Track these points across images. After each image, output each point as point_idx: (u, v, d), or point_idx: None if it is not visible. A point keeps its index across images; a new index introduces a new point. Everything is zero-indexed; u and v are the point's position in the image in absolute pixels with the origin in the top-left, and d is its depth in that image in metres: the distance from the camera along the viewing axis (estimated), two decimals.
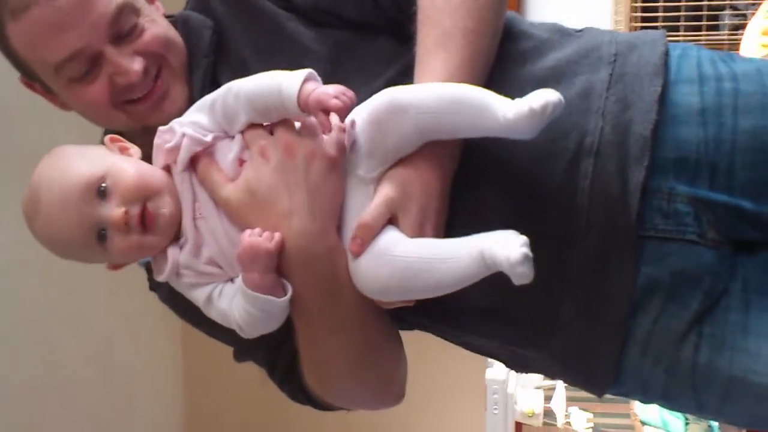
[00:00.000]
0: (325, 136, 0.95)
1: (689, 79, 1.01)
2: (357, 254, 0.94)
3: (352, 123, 0.95)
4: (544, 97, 0.87)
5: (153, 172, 0.98)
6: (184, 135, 0.97)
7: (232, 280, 0.99)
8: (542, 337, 1.04)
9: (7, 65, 1.08)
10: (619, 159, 0.98)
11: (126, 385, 3.14)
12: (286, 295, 0.95)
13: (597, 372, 1.05)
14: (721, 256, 0.99)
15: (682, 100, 1.00)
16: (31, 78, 1.08)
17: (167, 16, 1.13)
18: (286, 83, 0.93)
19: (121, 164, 0.98)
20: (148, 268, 1.11)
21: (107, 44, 1.02)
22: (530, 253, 0.84)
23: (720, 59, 1.05)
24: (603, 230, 0.98)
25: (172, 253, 0.98)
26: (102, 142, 1.04)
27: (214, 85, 1.06)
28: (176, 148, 0.97)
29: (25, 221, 0.98)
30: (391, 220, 0.94)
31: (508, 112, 0.88)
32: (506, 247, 0.84)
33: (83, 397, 2.85)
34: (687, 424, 2.45)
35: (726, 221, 0.98)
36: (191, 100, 1.06)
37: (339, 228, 0.96)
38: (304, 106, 0.92)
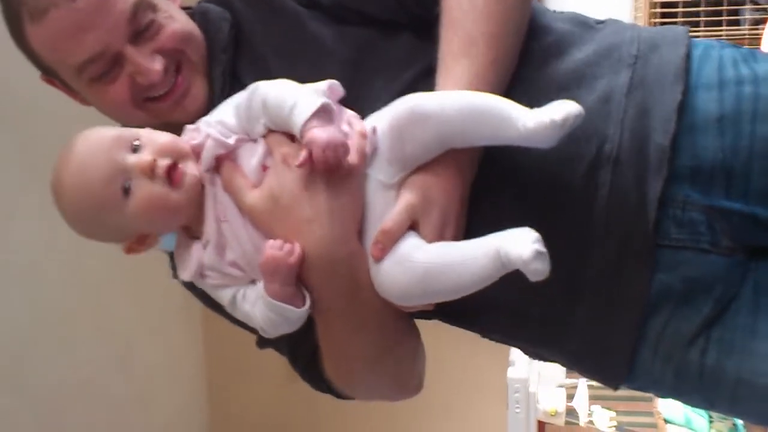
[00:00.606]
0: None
1: (709, 85, 1.00)
2: (378, 259, 0.95)
3: (374, 130, 0.96)
4: (564, 108, 0.88)
5: (185, 142, 0.99)
6: (208, 136, 0.97)
7: (254, 281, 0.99)
8: (557, 337, 1.06)
9: (27, 67, 1.08)
10: (638, 168, 0.97)
11: (147, 385, 3.15)
12: (305, 305, 0.96)
13: (610, 369, 1.06)
14: (733, 263, 0.99)
15: (701, 106, 0.99)
16: (51, 75, 1.08)
17: (185, 8, 1.12)
18: (299, 107, 0.93)
19: (156, 132, 0.99)
20: (172, 257, 1.11)
21: (127, 44, 1.02)
22: (544, 249, 0.84)
23: (742, 59, 1.04)
24: (620, 237, 0.98)
25: (197, 251, 0.99)
26: None
27: (235, 79, 1.06)
28: (200, 146, 0.98)
29: (51, 183, 0.97)
30: (412, 226, 0.95)
31: (528, 122, 0.88)
32: (520, 245, 0.85)
33: (104, 397, 2.87)
34: (711, 422, 2.43)
35: (741, 229, 0.98)
36: (212, 96, 1.07)
37: (360, 233, 0.97)
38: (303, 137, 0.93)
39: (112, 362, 2.91)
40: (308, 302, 0.96)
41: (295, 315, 0.96)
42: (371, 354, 1.04)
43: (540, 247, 0.84)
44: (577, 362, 1.10)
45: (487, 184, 0.99)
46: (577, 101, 0.98)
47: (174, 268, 1.14)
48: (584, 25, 1.10)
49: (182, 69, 1.07)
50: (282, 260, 0.93)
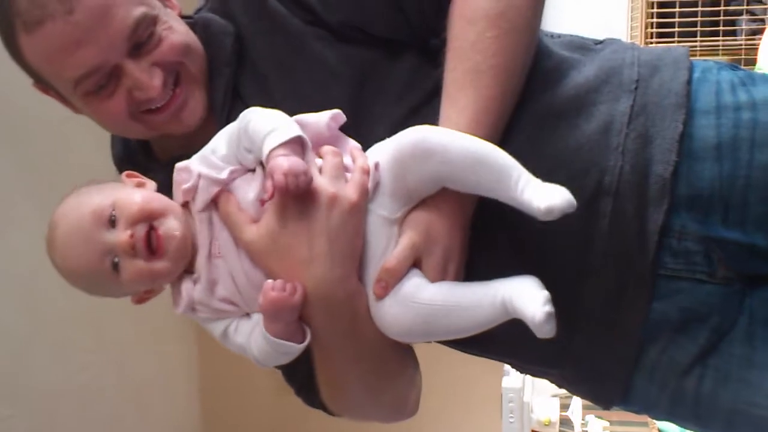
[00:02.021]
0: (348, 175, 0.94)
1: (707, 110, 0.99)
2: (381, 297, 0.95)
3: (376, 165, 0.95)
4: (557, 200, 0.86)
5: (159, 198, 0.98)
6: (200, 176, 0.96)
7: (248, 315, 0.99)
8: (553, 362, 1.06)
9: (24, 76, 1.07)
10: (638, 199, 0.97)
11: (142, 393, 3.15)
12: (305, 340, 0.96)
13: (605, 394, 1.07)
14: (730, 292, 0.98)
15: (699, 133, 0.98)
16: (43, 83, 1.06)
17: (186, 17, 1.10)
18: (271, 136, 0.92)
19: (130, 193, 0.98)
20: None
21: (125, 58, 1.00)
22: (553, 310, 0.84)
23: (740, 83, 1.03)
24: (619, 268, 0.98)
25: (186, 288, 0.99)
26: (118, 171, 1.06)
27: (236, 94, 1.05)
28: (193, 189, 0.97)
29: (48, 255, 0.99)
30: (415, 263, 0.95)
31: (522, 194, 0.88)
32: (530, 304, 0.85)
33: (100, 404, 2.86)
34: None
35: (738, 258, 0.98)
36: (212, 110, 1.06)
37: (361, 269, 0.96)
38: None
39: (108, 371, 2.90)
40: (309, 337, 0.96)
41: (294, 350, 0.96)
42: (369, 383, 1.04)
43: (550, 308, 0.84)
44: (571, 385, 1.11)
45: (484, 217, 0.99)
46: (576, 130, 0.98)
47: None
48: (583, 48, 1.09)
49: (181, 81, 1.05)
50: (284, 301, 0.92)
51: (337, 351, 0.99)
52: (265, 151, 0.91)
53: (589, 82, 1.03)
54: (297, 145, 0.92)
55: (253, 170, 0.97)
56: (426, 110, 1.00)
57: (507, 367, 2.62)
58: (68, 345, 2.69)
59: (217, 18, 1.09)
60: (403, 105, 1.03)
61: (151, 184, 1.01)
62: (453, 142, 0.92)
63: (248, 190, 0.96)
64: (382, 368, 1.03)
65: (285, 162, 0.89)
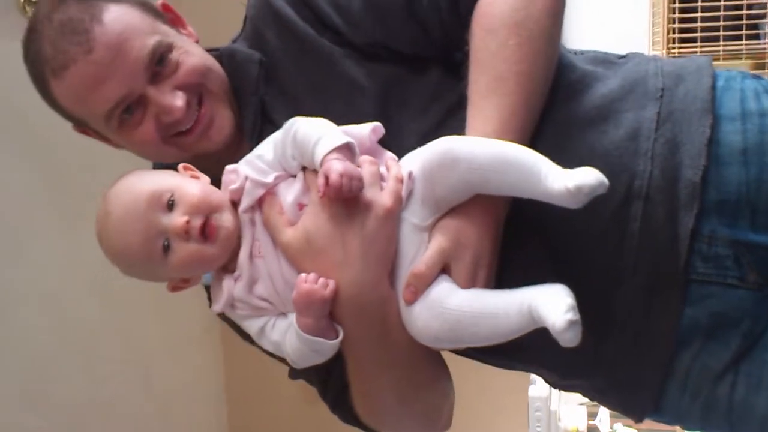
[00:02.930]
0: (383, 183, 0.96)
1: (732, 116, 1.00)
2: (410, 302, 0.96)
3: (410, 174, 0.97)
4: (587, 179, 0.87)
5: (218, 192, 1.02)
6: (247, 178, 1.00)
7: (285, 314, 1.01)
8: (584, 371, 1.06)
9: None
10: (669, 203, 0.97)
11: (168, 403, 3.17)
12: (337, 337, 0.97)
13: (637, 405, 1.07)
14: (761, 297, 0.98)
15: (725, 139, 0.99)
16: (81, 125, 1.11)
17: (212, 49, 1.14)
18: (322, 142, 0.95)
19: (189, 182, 1.01)
20: (208, 288, 1.14)
21: (147, 86, 1.04)
22: (577, 318, 0.85)
23: (764, 90, 1.04)
24: (650, 273, 0.98)
25: (228, 285, 1.02)
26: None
27: (266, 119, 1.07)
28: (239, 190, 1.00)
29: (96, 234, 1.02)
30: (444, 269, 0.96)
31: (553, 184, 0.89)
32: (554, 312, 0.85)
33: (126, 417, 2.88)
34: None
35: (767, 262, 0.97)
36: (244, 135, 1.10)
37: (392, 273, 0.97)
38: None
39: (134, 382, 2.92)
40: (341, 335, 0.98)
41: (326, 347, 0.97)
42: (401, 392, 1.04)
43: (573, 316, 0.85)
44: (602, 396, 1.10)
45: (515, 224, 0.99)
46: (604, 137, 0.99)
47: (210, 299, 1.16)
48: (606, 62, 1.11)
49: (204, 101, 1.08)
50: (316, 293, 0.94)
51: (369, 357, 1.00)
52: (319, 155, 0.94)
53: (613, 92, 1.04)
54: (348, 150, 0.95)
55: (294, 176, 1.00)
56: (452, 122, 1.02)
57: (533, 375, 2.61)
58: (94, 356, 2.72)
59: (241, 48, 1.13)
60: (429, 117, 1.05)
61: (206, 178, 1.04)
62: (478, 147, 0.94)
63: (288, 194, 1.00)
64: (414, 377, 1.04)
65: (340, 165, 0.93)
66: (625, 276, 0.98)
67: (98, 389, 2.73)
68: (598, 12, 2.89)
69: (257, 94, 1.10)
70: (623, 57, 1.12)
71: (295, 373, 1.19)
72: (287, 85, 1.10)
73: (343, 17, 1.09)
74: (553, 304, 0.86)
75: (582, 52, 1.14)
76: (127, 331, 2.88)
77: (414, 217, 0.97)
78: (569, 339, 0.85)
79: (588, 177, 0.88)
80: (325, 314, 0.96)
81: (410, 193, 0.97)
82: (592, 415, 2.58)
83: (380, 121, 1.03)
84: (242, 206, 1.01)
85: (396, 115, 1.05)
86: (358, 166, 0.98)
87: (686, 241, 0.97)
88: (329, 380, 1.13)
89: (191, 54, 1.09)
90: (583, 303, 0.86)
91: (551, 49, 1.04)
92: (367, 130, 1.00)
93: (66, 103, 1.07)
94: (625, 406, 1.09)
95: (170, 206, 0.98)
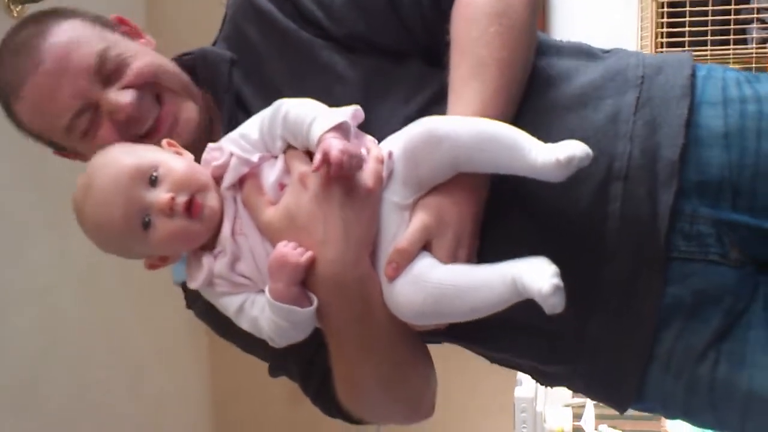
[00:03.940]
0: (364, 165, 0.97)
1: (714, 102, 1.02)
2: (392, 278, 0.96)
3: (390, 154, 0.98)
4: (572, 149, 0.89)
5: (203, 170, 1.01)
6: (231, 154, 1.00)
7: (263, 291, 1.00)
8: (567, 354, 1.06)
9: None
10: (648, 183, 0.99)
11: (157, 406, 3.16)
12: (311, 305, 0.97)
13: (620, 389, 1.07)
14: (743, 275, 0.99)
15: (707, 122, 1.01)
16: (57, 147, 1.14)
17: (187, 53, 1.16)
18: (318, 121, 0.95)
19: (174, 159, 1.01)
20: (185, 288, 1.13)
21: (99, 91, 1.06)
22: (561, 284, 0.85)
23: (745, 80, 1.06)
24: (631, 253, 0.99)
25: (207, 261, 1.01)
26: None
27: (247, 116, 1.08)
28: (223, 166, 1.00)
29: (73, 207, 1.01)
30: (426, 246, 0.96)
31: (537, 157, 0.90)
32: (538, 278, 0.86)
33: (115, 418, 2.88)
34: None
35: (749, 241, 0.99)
36: (221, 135, 1.08)
37: (373, 253, 0.98)
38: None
39: (122, 386, 2.92)
40: (315, 303, 0.97)
41: (299, 317, 0.97)
42: (383, 375, 1.04)
43: (558, 281, 0.85)
44: (586, 383, 1.10)
45: (497, 204, 1.00)
46: (585, 121, 1.00)
47: (188, 299, 1.16)
48: (589, 54, 1.12)
49: (164, 100, 1.09)
50: (291, 257, 0.95)
51: (350, 339, 1.01)
52: (316, 133, 0.94)
53: (595, 81, 1.06)
54: (343, 130, 0.96)
55: (276, 157, 1.01)
56: (434, 110, 1.02)
57: (519, 376, 2.62)
58: (84, 360, 2.71)
59: (212, 48, 1.15)
60: (410, 106, 1.06)
61: (190, 156, 1.04)
62: (460, 125, 0.95)
63: (270, 174, 1.00)
64: (395, 359, 1.04)
65: (340, 143, 0.93)
66: (608, 256, 0.99)
67: (87, 393, 2.73)
68: (586, 16, 2.90)
69: (230, 91, 1.11)
70: (607, 52, 1.14)
71: (275, 370, 1.19)
72: (270, 78, 1.11)
73: (325, 12, 1.10)
74: (537, 272, 0.87)
75: (568, 42, 1.16)
76: (116, 336, 2.88)
77: (395, 196, 0.97)
78: (554, 304, 0.85)
79: (576, 148, 0.89)
80: (296, 281, 0.96)
81: (391, 173, 0.98)
82: (577, 417, 2.59)
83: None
84: (225, 183, 1.00)
85: (378, 105, 1.05)
86: None
87: (666, 219, 0.98)
88: (311, 371, 1.13)
89: (140, 55, 1.11)
90: (565, 283, 0.86)
91: (530, 39, 1.06)
92: (349, 114, 1.00)
93: (30, 121, 1.09)
94: (608, 394, 1.09)
95: (153, 182, 0.98)
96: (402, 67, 1.10)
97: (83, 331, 2.70)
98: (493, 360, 1.18)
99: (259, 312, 1.00)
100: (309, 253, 0.96)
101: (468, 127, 0.95)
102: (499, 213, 1.01)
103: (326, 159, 0.92)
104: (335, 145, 0.92)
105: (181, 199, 0.97)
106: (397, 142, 0.99)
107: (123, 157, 1.00)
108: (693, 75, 1.05)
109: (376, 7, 1.09)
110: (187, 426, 3.50)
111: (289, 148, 1.00)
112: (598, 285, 1.00)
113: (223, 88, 1.11)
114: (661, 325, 1.00)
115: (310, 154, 0.98)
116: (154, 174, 0.98)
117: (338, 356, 1.04)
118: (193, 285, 1.02)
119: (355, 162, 0.94)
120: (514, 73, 1.02)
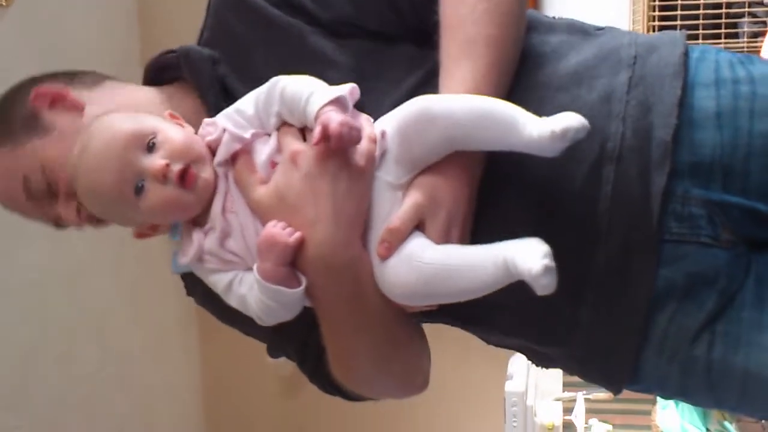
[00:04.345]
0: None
1: (706, 83, 1.02)
2: (384, 258, 0.95)
3: (383, 133, 0.97)
4: (567, 121, 0.88)
5: (201, 142, 1.00)
6: (225, 130, 0.99)
7: (252, 269, 0.99)
8: (561, 336, 1.05)
9: None
10: (641, 164, 0.98)
11: (147, 402, 3.16)
12: (299, 286, 0.96)
13: (615, 370, 1.06)
14: (735, 255, 0.99)
15: (699, 104, 1.00)
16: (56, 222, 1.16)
17: (170, 51, 1.14)
18: (315, 96, 0.95)
19: (173, 128, 1.00)
20: (184, 277, 1.14)
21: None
22: (552, 264, 0.84)
23: (738, 62, 1.05)
24: (624, 234, 0.98)
25: (198, 237, 1.00)
26: None
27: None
28: (216, 141, 0.99)
29: (68, 170, 1.01)
30: (418, 226, 0.95)
31: (532, 131, 0.89)
32: (529, 258, 0.85)
33: (105, 414, 2.87)
34: None
35: (741, 222, 0.99)
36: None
37: (365, 232, 0.97)
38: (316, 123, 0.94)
39: (112, 382, 2.91)
40: (304, 283, 0.96)
41: (287, 297, 0.96)
42: (376, 351, 1.04)
43: (549, 262, 0.84)
44: (580, 364, 1.10)
45: (490, 184, 1.00)
46: (578, 100, 1.00)
47: (187, 287, 1.16)
48: (582, 31, 1.12)
49: None
50: (280, 237, 0.94)
51: (342, 319, 1.00)
52: (314, 107, 0.94)
53: (587, 60, 1.05)
54: (341, 104, 0.95)
55: (269, 135, 1.00)
56: (426, 91, 1.01)
57: (511, 370, 2.63)
58: (73, 356, 2.71)
59: (194, 48, 1.13)
60: (402, 88, 1.05)
61: (190, 128, 1.03)
62: (455, 102, 0.95)
63: (262, 152, 0.99)
64: (387, 338, 1.04)
65: (339, 116, 0.92)
66: (601, 237, 0.99)
67: (77, 389, 2.71)
68: (577, 10, 2.90)
69: (213, 87, 1.10)
70: (600, 29, 1.13)
71: (273, 350, 1.19)
72: (259, 68, 1.09)
73: None
74: (528, 253, 0.86)
75: (560, 19, 1.15)
76: (106, 332, 2.87)
77: (388, 175, 0.96)
78: (545, 285, 0.84)
79: (572, 120, 0.88)
80: (284, 262, 0.95)
81: (384, 152, 0.97)
82: (568, 410, 2.60)
83: None
84: (218, 158, 1.00)
85: (370, 87, 1.04)
86: None
87: (658, 200, 0.97)
88: (307, 349, 1.13)
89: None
90: (558, 264, 0.85)
91: (520, 15, 1.05)
92: (345, 91, 0.99)
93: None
94: (603, 375, 1.09)
95: (150, 148, 0.97)
96: (392, 49, 1.09)
97: (72, 326, 2.69)
98: (488, 341, 1.18)
99: (248, 290, 0.99)
100: (298, 234, 0.95)
101: (462, 103, 0.94)
102: (492, 194, 1.00)
103: (325, 132, 0.91)
104: (334, 118, 0.91)
105: (176, 167, 0.96)
106: (391, 121, 0.98)
107: (123, 121, 0.99)
108: (686, 54, 1.04)
109: None
110: (178, 420, 3.50)
111: (282, 125, 1.00)
112: (589, 268, 1.00)
113: (206, 84, 1.10)
114: (654, 307, 1.00)
115: (303, 134, 0.98)
116: (153, 140, 0.97)
117: (330, 335, 1.03)
118: (183, 260, 1.01)
119: (355, 134, 0.92)
120: (505, 50, 1.01)
